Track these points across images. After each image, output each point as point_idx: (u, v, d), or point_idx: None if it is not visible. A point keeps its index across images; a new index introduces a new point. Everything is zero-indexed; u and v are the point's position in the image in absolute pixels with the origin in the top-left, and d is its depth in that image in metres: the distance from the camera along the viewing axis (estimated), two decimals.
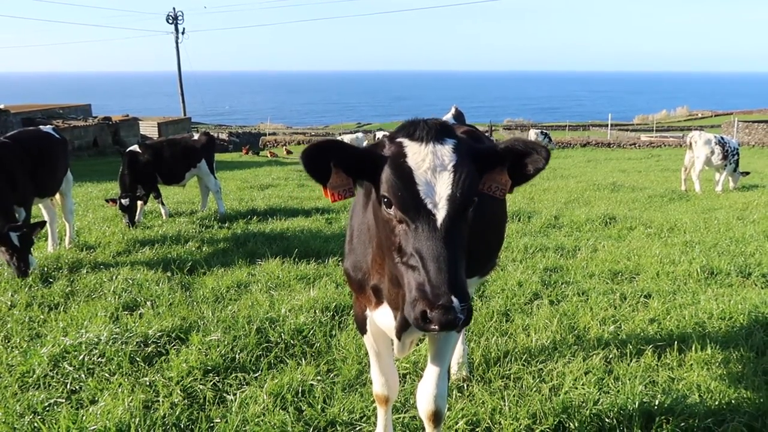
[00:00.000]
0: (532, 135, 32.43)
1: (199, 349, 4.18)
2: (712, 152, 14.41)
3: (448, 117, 3.84)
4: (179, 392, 3.64)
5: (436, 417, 2.87)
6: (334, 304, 5.07)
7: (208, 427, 3.32)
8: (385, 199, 2.04)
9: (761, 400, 3.62)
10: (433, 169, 2.00)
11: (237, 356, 4.12)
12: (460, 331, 2.04)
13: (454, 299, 1.85)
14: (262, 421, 3.33)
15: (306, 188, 14.13)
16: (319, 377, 3.86)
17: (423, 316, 1.86)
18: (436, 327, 1.85)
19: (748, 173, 15.44)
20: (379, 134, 23.09)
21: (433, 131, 2.08)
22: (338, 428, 3.32)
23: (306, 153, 2.08)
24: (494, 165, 2.21)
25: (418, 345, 4.09)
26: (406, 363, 4.06)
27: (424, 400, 2.87)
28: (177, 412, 3.43)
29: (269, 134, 46.40)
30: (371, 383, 3.78)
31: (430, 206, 1.96)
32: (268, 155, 31.43)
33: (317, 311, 4.92)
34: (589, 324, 4.81)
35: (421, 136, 2.07)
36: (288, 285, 5.87)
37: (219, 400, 3.64)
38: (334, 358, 4.19)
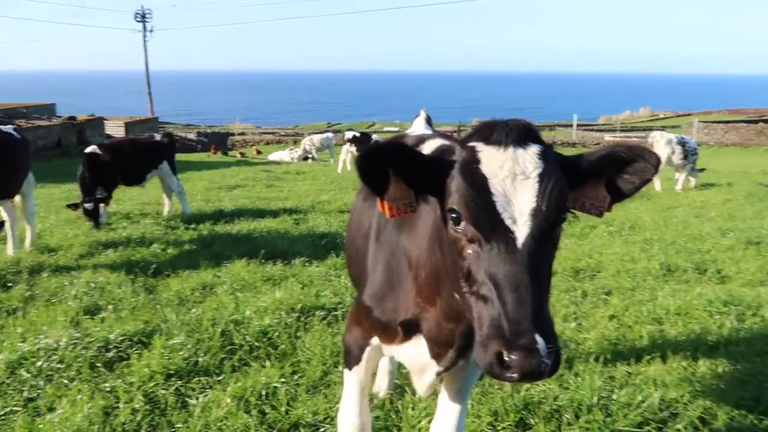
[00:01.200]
0: None
1: (162, 353, 4.13)
2: (673, 152, 14.81)
3: (419, 120, 3.87)
4: (140, 398, 3.59)
5: None
6: (299, 305, 5.06)
7: None
8: (454, 215, 1.71)
9: (713, 393, 3.75)
10: (513, 177, 1.66)
11: (200, 359, 4.08)
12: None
13: (539, 339, 1.50)
14: (224, 425, 3.31)
15: (274, 189, 14.05)
16: (283, 379, 3.85)
17: (499, 359, 1.51)
18: (516, 375, 1.50)
19: (703, 170, 15.91)
20: (349, 134, 22.97)
21: (514, 134, 1.74)
22: (302, 430, 3.33)
23: (364, 158, 1.76)
24: (588, 177, 1.85)
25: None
26: None
27: None
28: (138, 418, 3.39)
29: (238, 134, 45.98)
30: (337, 386, 3.80)
31: (508, 222, 1.62)
32: (237, 155, 31.13)
33: (283, 312, 4.90)
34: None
35: (500, 140, 1.73)
36: (254, 286, 5.84)
37: (181, 405, 3.60)
38: (298, 359, 4.18)
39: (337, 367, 4.05)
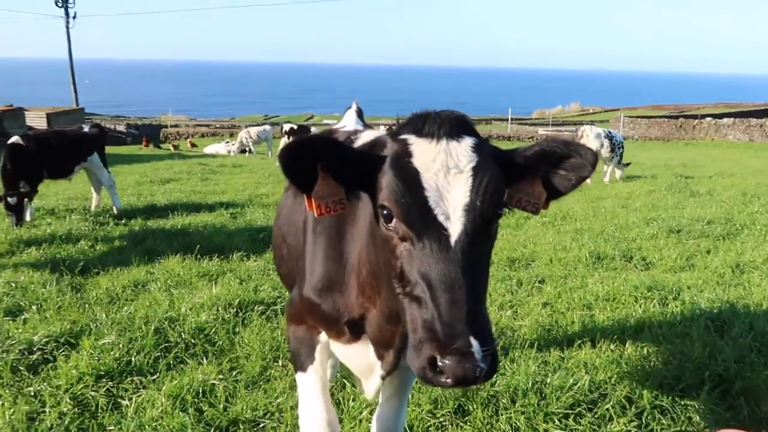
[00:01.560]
0: None
1: (91, 353, 3.95)
2: (602, 145, 15.46)
3: (350, 113, 3.82)
4: (68, 401, 3.43)
5: None
6: (237, 300, 4.96)
7: None
8: (385, 211, 1.62)
9: (639, 374, 3.95)
10: (446, 171, 1.59)
11: (133, 359, 3.94)
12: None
13: (474, 342, 1.42)
14: (159, 425, 3.21)
15: (210, 182, 13.69)
16: (221, 376, 3.77)
17: (432, 364, 1.44)
18: (449, 380, 1.42)
19: (629, 164, 16.70)
20: (286, 126, 22.68)
21: (447, 125, 1.66)
22: (241, 426, 3.27)
23: (287, 153, 1.64)
24: (524, 173, 1.78)
25: None
26: None
27: None
28: (66, 422, 3.23)
29: (171, 126, 44.45)
30: (277, 380, 3.75)
31: (441, 218, 1.54)
32: (171, 148, 30.13)
33: (220, 308, 4.80)
34: (488, 309, 5.02)
35: (432, 132, 1.65)
36: (189, 282, 5.68)
37: (113, 407, 3.46)
38: (237, 355, 4.11)
39: (276, 362, 4.01)
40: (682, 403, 3.63)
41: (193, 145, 31.70)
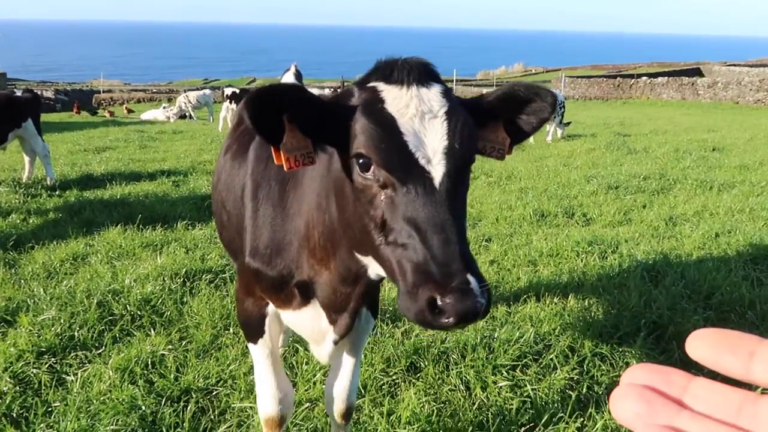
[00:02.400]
0: None
1: (30, 330, 3.80)
2: None
3: (288, 75, 3.69)
4: (8, 380, 3.30)
5: (350, 413, 2.68)
6: (184, 270, 4.86)
7: (45, 412, 3.06)
8: (361, 160, 1.56)
9: (580, 325, 4.14)
10: (421, 116, 1.56)
11: (76, 334, 3.82)
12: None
13: (471, 278, 1.39)
14: (108, 398, 3.14)
15: (149, 149, 13.19)
16: (170, 346, 3.71)
17: (431, 305, 1.38)
18: (451, 319, 1.37)
19: (569, 123, 17.12)
20: (228, 90, 21.94)
21: (415, 72, 1.63)
22: (193, 395, 3.24)
23: (252, 101, 1.55)
24: (487, 119, 1.78)
25: None
26: None
27: (339, 398, 2.61)
28: (7, 402, 3.11)
29: (104, 92, 42.32)
30: (229, 348, 3.73)
31: (423, 162, 1.52)
32: (107, 115, 28.76)
33: (166, 279, 4.69)
34: None
35: (401, 78, 1.61)
36: (132, 253, 5.51)
37: (58, 383, 3.36)
38: (186, 325, 4.04)
39: (228, 330, 3.97)
40: (620, 349, 3.83)
41: (130, 111, 30.37)
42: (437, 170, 1.52)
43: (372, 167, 1.55)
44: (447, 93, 1.64)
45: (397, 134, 1.53)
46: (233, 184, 2.45)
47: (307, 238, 1.99)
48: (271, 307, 2.31)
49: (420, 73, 1.63)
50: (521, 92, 1.75)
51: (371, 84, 1.65)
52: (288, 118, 1.60)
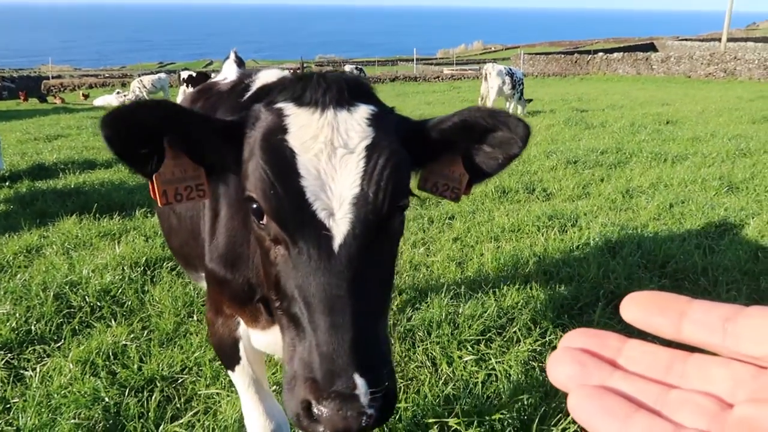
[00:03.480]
0: (347, 70, 32.53)
1: None
2: (504, 82, 15.87)
3: (229, 63, 3.51)
4: None
5: None
6: (144, 258, 4.76)
7: (3, 409, 2.98)
8: (254, 205, 1.27)
9: (542, 298, 4.23)
10: (331, 151, 1.24)
11: (33, 328, 3.71)
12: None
13: (360, 381, 1.10)
14: (69, 392, 3.07)
15: None
16: (133, 336, 3.65)
17: (307, 409, 1.13)
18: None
19: (530, 100, 17.32)
20: (184, 74, 21.36)
21: (334, 90, 1.30)
22: (159, 384, 3.20)
23: (111, 119, 1.21)
24: (440, 150, 1.46)
25: None
26: None
27: None
28: None
29: (53, 77, 40.77)
30: (193, 335, 3.68)
31: (321, 215, 1.20)
32: (57, 102, 27.72)
33: (125, 268, 4.59)
34: (401, 248, 5.14)
35: (314, 99, 1.29)
36: (89, 244, 5.37)
37: (16, 379, 3.27)
38: (148, 314, 3.97)
39: (191, 317, 3.92)
40: (581, 320, 3.94)
41: (86, 96, 29.21)
42: (339, 227, 1.20)
43: (264, 216, 1.27)
44: (377, 118, 1.31)
45: (293, 177, 1.21)
46: None
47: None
48: (243, 328, 2.03)
49: (341, 91, 1.31)
50: (484, 120, 1.40)
51: (278, 105, 1.33)
52: (169, 142, 1.30)
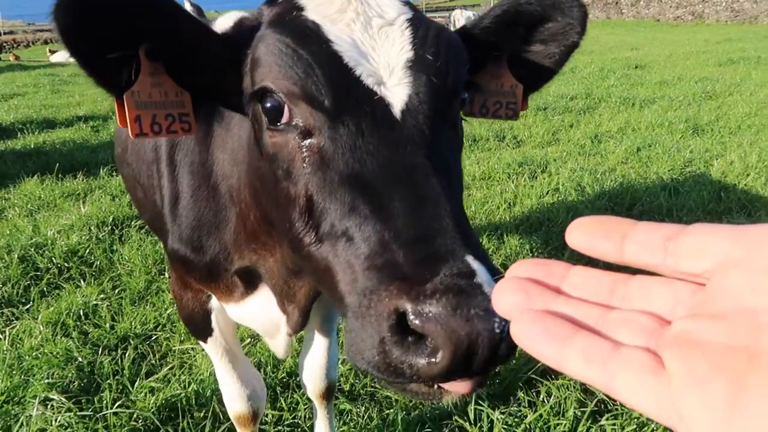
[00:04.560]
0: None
1: None
2: None
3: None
4: None
5: (331, 391, 2.32)
6: (111, 217, 4.67)
7: None
8: (268, 103, 1.02)
9: (513, 243, 4.28)
10: (365, 22, 1.01)
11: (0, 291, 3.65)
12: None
13: (476, 265, 0.76)
14: (41, 353, 3.05)
15: (62, 94, 12.33)
16: (103, 295, 3.61)
17: (398, 328, 0.73)
18: (441, 356, 0.70)
19: None
20: None
21: None
22: (132, 342, 3.19)
23: (67, 8, 0.94)
24: (482, 59, 1.23)
25: None
26: None
27: (316, 377, 2.26)
28: None
29: (5, 34, 38.84)
30: (165, 292, 3.66)
31: (369, 81, 0.96)
32: (11, 59, 26.48)
33: (92, 228, 4.50)
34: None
35: None
36: (53, 205, 5.24)
37: None
38: (118, 273, 3.93)
39: (162, 275, 3.89)
40: None
41: (53, 52, 27.55)
42: (396, 94, 0.96)
43: (285, 109, 1.01)
44: (411, 6, 1.12)
45: (322, 44, 0.98)
46: (144, 148, 1.82)
47: (242, 218, 1.46)
48: (214, 302, 1.90)
49: None
50: (530, 6, 1.17)
51: None
52: (147, 51, 1.04)
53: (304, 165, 0.99)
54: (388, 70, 0.98)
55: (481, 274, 0.75)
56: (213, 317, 1.93)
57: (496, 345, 0.70)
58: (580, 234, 0.52)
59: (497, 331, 0.69)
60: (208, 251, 1.59)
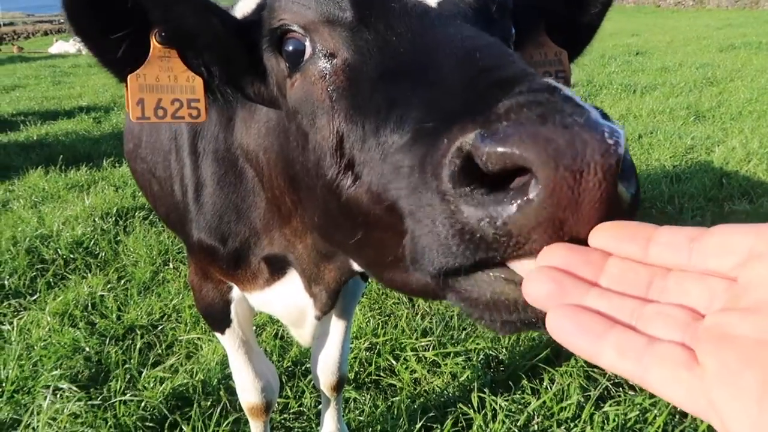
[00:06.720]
0: None
1: None
2: None
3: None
4: None
5: (341, 384, 2.34)
6: (115, 208, 4.70)
7: None
8: (290, 46, 0.95)
9: None
10: None
11: (6, 282, 3.68)
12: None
13: (560, 85, 0.62)
14: (49, 343, 3.08)
15: (63, 86, 12.32)
16: (109, 286, 3.64)
17: (463, 174, 0.58)
18: (574, 162, 0.52)
19: None
20: None
21: None
22: (138, 332, 3.22)
23: None
24: (518, 28, 1.06)
25: None
26: None
27: (329, 370, 2.27)
28: None
29: (5, 25, 38.70)
30: (170, 283, 3.69)
31: None
32: (14, 50, 26.41)
33: (97, 219, 4.53)
34: None
35: None
36: (58, 196, 5.26)
37: None
38: (124, 264, 3.96)
39: (167, 265, 3.92)
40: None
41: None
42: None
43: (306, 44, 0.93)
44: None
45: None
46: (160, 140, 1.77)
47: (273, 202, 1.39)
48: (235, 292, 1.87)
49: None
50: None
51: None
52: (161, 33, 0.99)
53: (331, 94, 0.87)
54: None
55: (570, 93, 0.59)
56: (233, 308, 1.92)
57: (618, 157, 0.52)
58: (606, 237, 0.54)
59: (610, 142, 0.52)
60: (238, 237, 1.55)
